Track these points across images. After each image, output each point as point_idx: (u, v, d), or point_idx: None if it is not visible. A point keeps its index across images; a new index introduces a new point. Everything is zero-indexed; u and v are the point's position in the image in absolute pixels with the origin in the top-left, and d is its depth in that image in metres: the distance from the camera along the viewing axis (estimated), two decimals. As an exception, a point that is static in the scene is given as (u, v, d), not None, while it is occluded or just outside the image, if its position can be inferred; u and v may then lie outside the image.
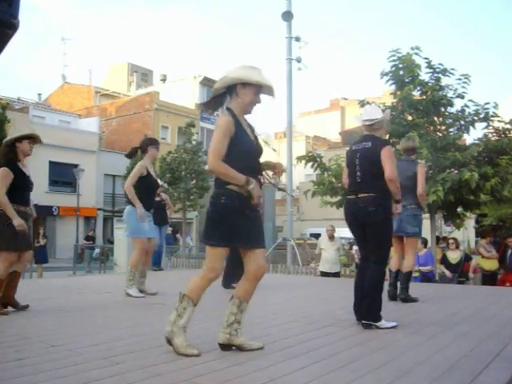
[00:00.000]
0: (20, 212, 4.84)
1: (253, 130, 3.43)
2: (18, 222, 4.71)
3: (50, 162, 30.19)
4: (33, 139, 5.13)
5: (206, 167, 3.58)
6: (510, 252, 10.21)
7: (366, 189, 4.40)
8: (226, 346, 3.35)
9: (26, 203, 5.02)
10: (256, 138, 3.43)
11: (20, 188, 4.93)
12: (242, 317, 3.35)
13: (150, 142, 6.40)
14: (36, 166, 29.23)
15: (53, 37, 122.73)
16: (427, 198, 5.90)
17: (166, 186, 6.43)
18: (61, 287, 7.36)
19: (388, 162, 4.34)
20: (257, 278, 3.31)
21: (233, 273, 6.36)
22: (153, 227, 6.39)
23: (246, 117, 3.41)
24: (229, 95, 3.33)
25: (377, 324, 4.23)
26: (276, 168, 3.50)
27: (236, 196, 3.19)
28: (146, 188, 6.19)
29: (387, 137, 12.10)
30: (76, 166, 28.24)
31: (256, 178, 3.27)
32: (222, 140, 3.17)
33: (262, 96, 3.39)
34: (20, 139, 5.03)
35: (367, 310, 4.28)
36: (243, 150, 3.23)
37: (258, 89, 3.30)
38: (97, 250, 21.29)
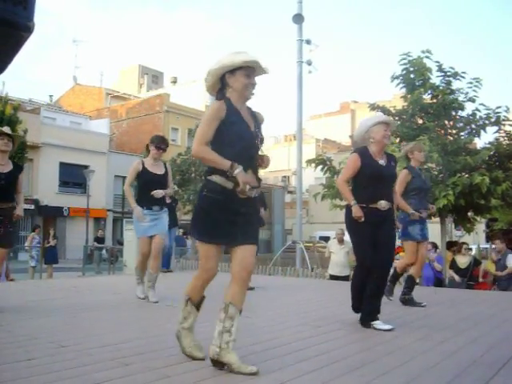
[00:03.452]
0: None
1: (256, 120, 3.19)
2: None
3: (61, 163, 30.40)
4: (4, 135, 5.15)
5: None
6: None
7: None
8: (216, 362, 2.96)
9: None
10: (257, 127, 3.15)
11: None
12: (232, 325, 2.94)
13: (152, 140, 6.15)
14: (47, 167, 29.54)
15: (64, 39, 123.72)
16: (402, 201, 5.90)
17: (175, 187, 6.27)
18: (70, 288, 7.39)
19: (343, 169, 4.74)
20: (243, 278, 2.99)
21: None
22: (156, 225, 5.96)
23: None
24: (224, 89, 3.11)
25: (373, 324, 4.41)
26: (263, 161, 3.14)
27: (220, 190, 2.95)
28: (143, 184, 5.98)
29: (398, 140, 12.09)
30: (86, 167, 28.36)
31: (248, 166, 2.99)
32: (208, 125, 2.99)
33: (259, 80, 3.16)
34: None
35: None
36: (233, 135, 3.00)
37: (248, 71, 3.05)
38: (103, 251, 21.37)
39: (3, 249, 5.11)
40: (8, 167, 5.16)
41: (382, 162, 4.63)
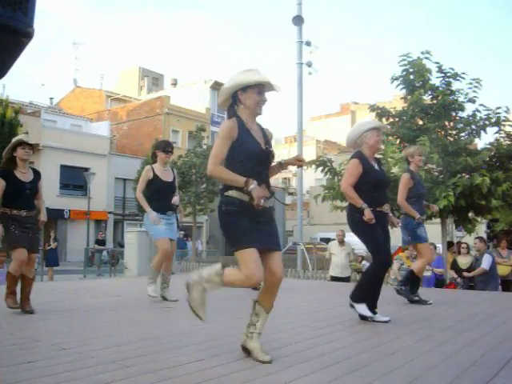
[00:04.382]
0: (12, 216, 5.04)
1: (265, 136, 3.37)
2: None
3: (61, 166, 30.45)
4: (24, 144, 5.21)
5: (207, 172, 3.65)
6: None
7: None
8: (243, 349, 3.34)
9: (19, 207, 5.11)
10: (267, 143, 3.33)
11: (12, 193, 5.07)
12: (257, 320, 3.25)
13: (157, 146, 6.35)
14: (47, 170, 29.50)
15: (64, 41, 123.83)
16: (408, 206, 6.01)
17: (177, 202, 6.45)
18: (71, 290, 7.40)
19: (345, 173, 4.87)
20: (275, 285, 3.23)
21: None
22: (171, 229, 6.22)
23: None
24: (235, 104, 3.29)
25: (356, 306, 4.76)
26: (298, 159, 3.41)
27: (238, 203, 3.13)
28: (153, 191, 6.13)
29: (398, 141, 12.10)
30: (87, 169, 28.43)
31: (260, 181, 3.14)
32: (221, 144, 3.17)
33: (269, 95, 3.35)
34: (14, 148, 5.18)
35: (354, 289, 4.86)
36: (245, 153, 3.17)
37: (259, 88, 3.23)
38: (104, 253, 21.38)
39: (34, 254, 5.34)
40: (30, 175, 5.27)
41: (376, 166, 4.89)
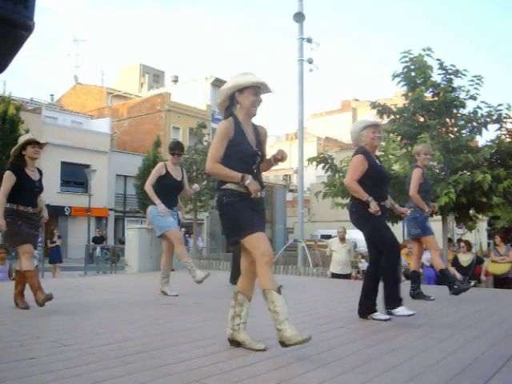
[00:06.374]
0: (19, 212, 5.08)
1: (257, 137, 3.55)
2: None
3: (62, 163, 30.40)
4: (35, 143, 5.28)
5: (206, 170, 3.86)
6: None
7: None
8: (231, 342, 3.48)
9: (26, 204, 5.15)
10: (258, 145, 3.52)
11: (21, 189, 5.11)
12: (241, 310, 3.44)
13: (168, 148, 6.68)
14: (48, 167, 29.40)
15: (65, 38, 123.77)
16: (419, 199, 6.14)
17: (198, 189, 6.63)
18: (72, 287, 7.40)
19: (349, 169, 4.88)
20: (253, 271, 3.38)
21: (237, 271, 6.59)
22: (175, 222, 6.43)
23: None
24: (233, 105, 3.53)
25: (394, 311, 4.53)
26: (279, 154, 3.54)
27: (237, 194, 3.37)
28: (163, 186, 6.40)
29: (399, 138, 12.07)
30: (88, 166, 28.38)
31: (253, 177, 3.38)
32: (218, 144, 3.43)
33: (265, 96, 3.58)
34: (24, 147, 5.24)
35: (385, 297, 4.62)
36: (239, 153, 3.41)
37: (256, 89, 3.46)
38: (98, 249, 21.40)
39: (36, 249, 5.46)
40: (37, 174, 5.35)
41: (378, 162, 4.95)
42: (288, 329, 3.12)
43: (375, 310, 4.75)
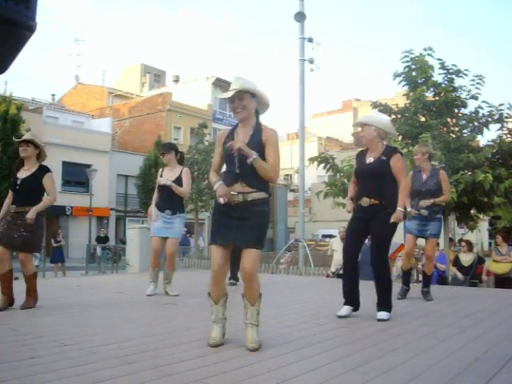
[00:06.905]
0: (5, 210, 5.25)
1: (252, 139, 3.51)
2: None
3: (63, 162, 30.36)
4: (19, 142, 5.41)
5: None
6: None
7: None
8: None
9: (13, 202, 5.26)
10: (254, 145, 3.48)
11: (11, 189, 5.35)
12: (246, 312, 3.56)
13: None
14: (49, 166, 29.43)
15: (66, 38, 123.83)
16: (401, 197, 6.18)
17: (168, 183, 6.50)
18: (74, 286, 7.41)
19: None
20: (244, 279, 3.52)
21: (233, 270, 7.17)
22: (166, 228, 6.29)
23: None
24: None
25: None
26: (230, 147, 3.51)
27: (215, 201, 3.62)
28: (157, 189, 6.47)
29: (400, 138, 12.06)
30: (89, 166, 28.38)
31: (235, 180, 3.48)
32: (215, 151, 3.76)
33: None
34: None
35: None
36: (225, 156, 3.59)
37: (230, 98, 3.52)
38: (98, 249, 21.40)
39: (22, 252, 5.20)
40: (29, 172, 5.32)
41: (370, 159, 4.86)
42: (212, 331, 3.55)
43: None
